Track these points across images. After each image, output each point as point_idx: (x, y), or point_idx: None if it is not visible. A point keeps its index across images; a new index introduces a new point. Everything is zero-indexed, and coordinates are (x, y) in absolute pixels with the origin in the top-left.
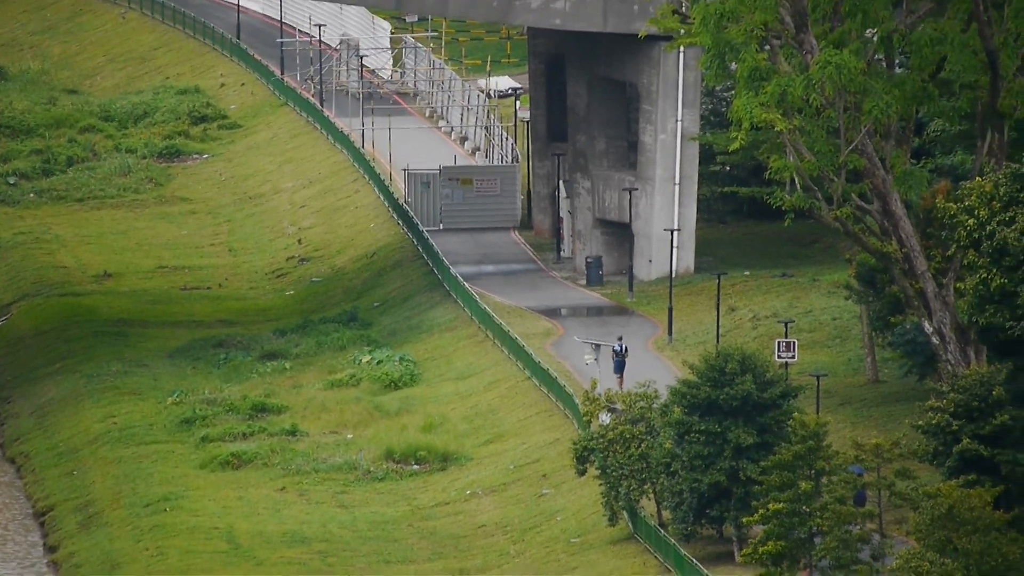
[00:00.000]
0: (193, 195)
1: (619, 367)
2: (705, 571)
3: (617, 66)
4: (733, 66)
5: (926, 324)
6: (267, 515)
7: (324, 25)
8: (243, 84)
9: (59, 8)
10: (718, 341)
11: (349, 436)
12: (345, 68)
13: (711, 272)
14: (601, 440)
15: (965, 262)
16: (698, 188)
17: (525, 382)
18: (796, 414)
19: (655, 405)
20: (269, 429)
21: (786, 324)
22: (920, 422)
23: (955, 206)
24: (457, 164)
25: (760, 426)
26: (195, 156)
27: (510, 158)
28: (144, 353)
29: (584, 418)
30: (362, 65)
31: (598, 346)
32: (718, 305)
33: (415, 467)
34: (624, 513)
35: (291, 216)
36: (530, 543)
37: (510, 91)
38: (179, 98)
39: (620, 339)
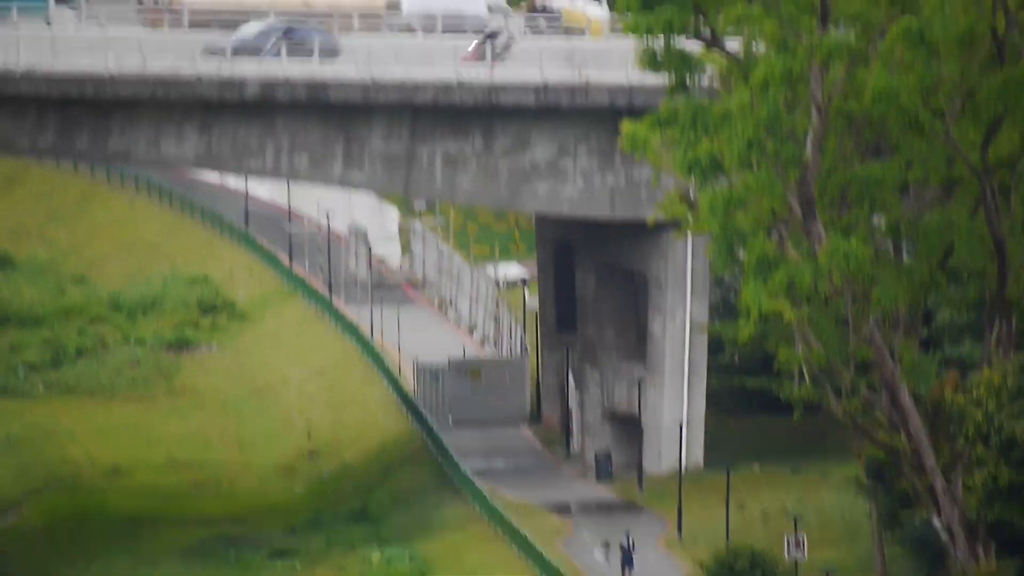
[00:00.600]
0: (202, 387)
1: (627, 561)
2: None
3: (626, 254)
4: (741, 254)
5: (935, 520)
6: None
7: (333, 212)
8: (252, 273)
9: (66, 195)
10: (728, 539)
11: None
12: (354, 257)
13: (721, 466)
14: None
15: (974, 456)
16: (708, 380)
17: None
18: None
19: None
20: None
21: (796, 521)
22: None
23: (963, 398)
24: (466, 355)
25: None
26: (204, 347)
27: (519, 349)
28: (156, 551)
29: None
30: (371, 253)
31: (608, 544)
32: (727, 502)
33: None
34: None
35: (300, 408)
36: None
37: (519, 280)
38: (188, 287)
39: (627, 534)
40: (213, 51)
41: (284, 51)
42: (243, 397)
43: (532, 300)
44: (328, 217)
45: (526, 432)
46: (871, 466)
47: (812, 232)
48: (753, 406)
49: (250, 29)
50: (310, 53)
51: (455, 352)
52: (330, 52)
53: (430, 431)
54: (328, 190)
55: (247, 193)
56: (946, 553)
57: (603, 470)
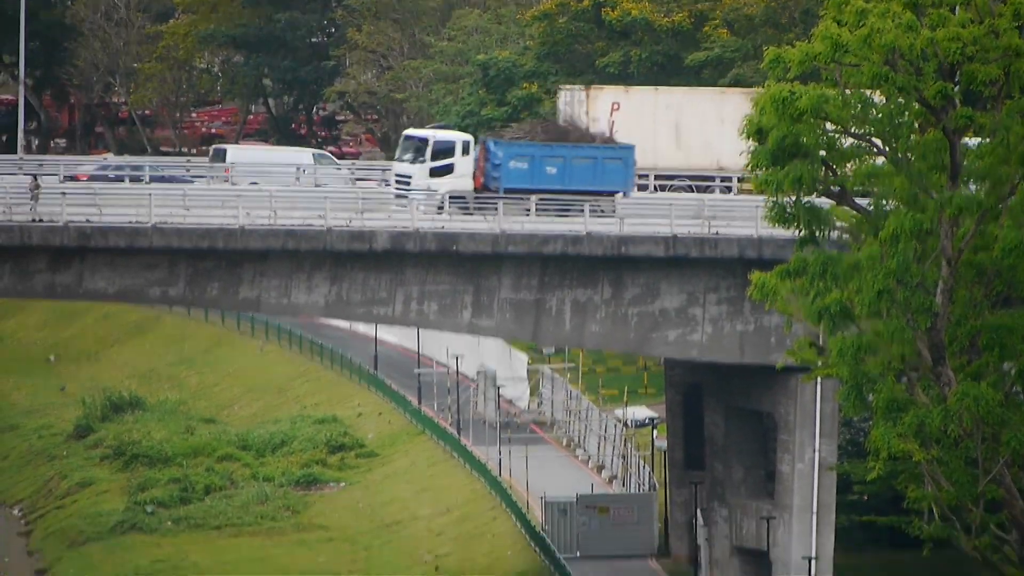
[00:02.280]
0: (330, 523)
1: None
2: None
3: (754, 397)
4: (870, 397)
5: None
6: None
7: (462, 356)
8: (380, 414)
9: (197, 340)
10: None
11: None
12: (482, 398)
13: None
14: None
15: None
16: (836, 517)
17: None
18: None
19: None
20: None
21: None
22: None
23: None
24: (594, 492)
25: None
26: (332, 484)
27: (647, 486)
28: None
29: None
30: (499, 395)
31: None
32: None
33: None
34: None
35: (428, 543)
36: None
37: (647, 420)
38: (316, 427)
39: None
40: None
41: None
42: (371, 532)
43: (660, 440)
44: (457, 360)
45: (654, 565)
46: None
47: (942, 377)
48: (882, 543)
49: None
50: None
51: (583, 489)
52: None
53: (558, 564)
54: (457, 336)
55: (376, 337)
56: None
57: None
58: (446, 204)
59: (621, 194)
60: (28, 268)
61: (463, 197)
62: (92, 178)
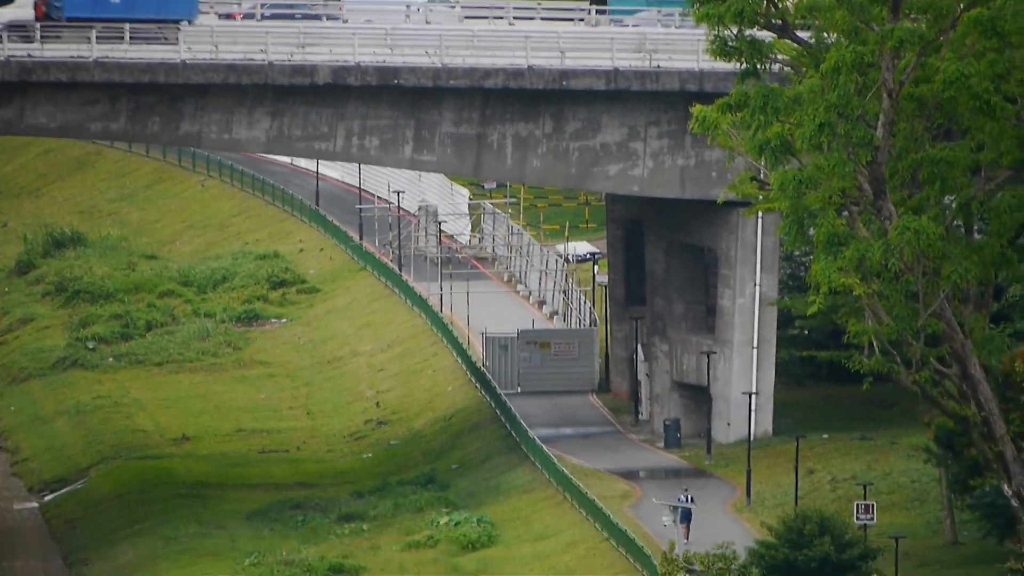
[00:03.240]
0: (272, 359)
1: (685, 517)
2: None
3: (695, 231)
4: (811, 232)
5: (1005, 487)
6: None
7: (403, 192)
8: (322, 249)
9: (138, 176)
10: (796, 503)
11: None
12: (424, 233)
13: (789, 435)
14: None
15: None
16: (776, 351)
17: (603, 544)
18: (875, 575)
19: (733, 566)
20: None
21: (865, 487)
22: None
23: None
24: (535, 328)
25: None
26: (274, 320)
27: (588, 322)
28: (222, 515)
29: None
30: (440, 230)
31: (676, 508)
32: (796, 468)
33: None
34: None
35: (369, 379)
36: None
37: (588, 255)
38: (258, 263)
39: (686, 490)
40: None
41: None
42: (312, 368)
43: (601, 276)
44: (398, 196)
45: (594, 401)
46: (940, 435)
47: (883, 211)
48: (822, 377)
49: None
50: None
51: (524, 325)
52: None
53: (498, 399)
54: (398, 171)
55: (318, 172)
56: (1016, 519)
57: (671, 438)
58: (5, 35)
59: (186, 22)
60: None
61: (24, 26)
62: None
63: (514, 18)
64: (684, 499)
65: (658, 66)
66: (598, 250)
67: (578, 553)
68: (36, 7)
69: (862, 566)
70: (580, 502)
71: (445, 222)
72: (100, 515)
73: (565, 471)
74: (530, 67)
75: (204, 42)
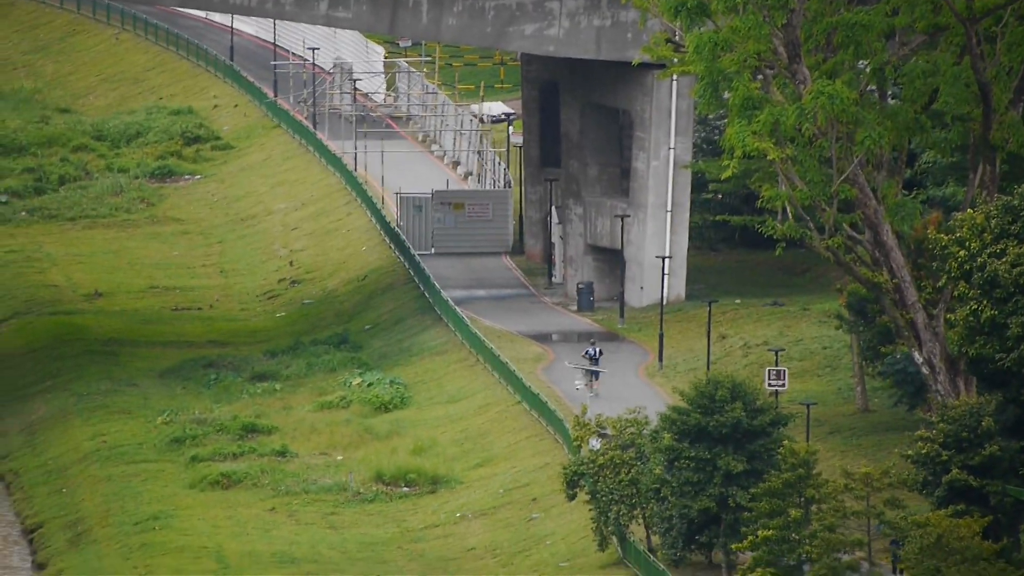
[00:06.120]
0: (185, 216)
1: (593, 373)
2: None
3: (610, 93)
4: (726, 95)
5: (916, 354)
6: (257, 535)
7: (318, 48)
8: (236, 106)
9: (52, 28)
10: (708, 368)
11: (339, 458)
12: (338, 91)
13: (702, 300)
14: (591, 465)
15: (956, 293)
16: (690, 216)
17: (516, 406)
18: (786, 442)
19: (645, 431)
20: (259, 450)
21: (776, 352)
22: (910, 452)
23: (946, 237)
24: (449, 188)
25: (750, 453)
26: (187, 177)
27: (502, 183)
28: (134, 373)
29: (575, 443)
30: (355, 89)
31: (588, 371)
32: (709, 333)
33: (405, 489)
34: (614, 538)
35: (283, 238)
36: (519, 567)
37: (503, 116)
38: (172, 119)
39: (593, 343)
40: None
41: None
42: (226, 225)
43: (516, 137)
44: (313, 53)
45: (508, 263)
46: (852, 302)
47: (797, 75)
48: (735, 242)
49: None
50: None
51: (438, 185)
52: None
53: (412, 260)
54: (313, 28)
55: (232, 27)
56: (926, 386)
57: (584, 301)
58: None
59: None
60: None
61: None
62: None
63: None
64: (592, 352)
65: None
66: (513, 111)
67: (490, 416)
68: None
69: (773, 432)
70: (493, 364)
71: (360, 80)
72: (11, 370)
73: (478, 333)
74: None
75: None
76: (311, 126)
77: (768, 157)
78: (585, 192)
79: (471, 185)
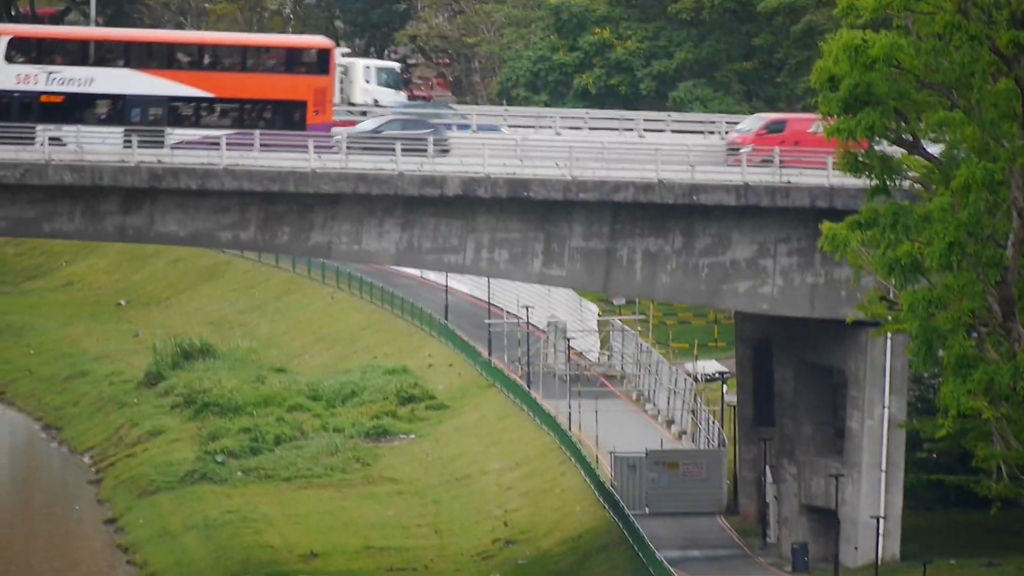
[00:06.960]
0: (400, 475)
1: None
2: None
3: (824, 352)
4: (940, 353)
5: None
6: None
7: (532, 307)
8: (451, 364)
9: (268, 287)
10: None
11: None
12: (553, 350)
13: (917, 560)
14: None
15: None
16: (904, 475)
17: None
18: None
19: None
20: None
21: None
22: None
23: None
24: (664, 448)
25: None
26: (402, 436)
27: (716, 442)
28: None
29: None
30: (569, 347)
31: None
32: None
33: None
34: None
35: (498, 498)
36: None
37: (717, 375)
38: (387, 378)
39: None
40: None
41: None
42: (441, 485)
43: (730, 396)
44: (527, 311)
45: (723, 523)
46: None
47: (1012, 332)
48: (950, 502)
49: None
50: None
51: (652, 444)
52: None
53: (626, 520)
54: (527, 286)
55: (447, 288)
56: None
57: (799, 561)
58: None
59: None
60: (99, 209)
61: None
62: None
63: (644, 130)
64: None
65: (788, 181)
66: (727, 369)
67: None
68: None
69: None
70: None
71: (574, 339)
72: None
73: None
74: (660, 181)
75: (333, 150)
76: (525, 385)
77: (983, 416)
78: (799, 451)
79: (685, 444)
